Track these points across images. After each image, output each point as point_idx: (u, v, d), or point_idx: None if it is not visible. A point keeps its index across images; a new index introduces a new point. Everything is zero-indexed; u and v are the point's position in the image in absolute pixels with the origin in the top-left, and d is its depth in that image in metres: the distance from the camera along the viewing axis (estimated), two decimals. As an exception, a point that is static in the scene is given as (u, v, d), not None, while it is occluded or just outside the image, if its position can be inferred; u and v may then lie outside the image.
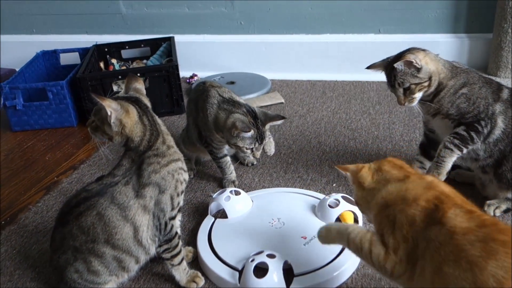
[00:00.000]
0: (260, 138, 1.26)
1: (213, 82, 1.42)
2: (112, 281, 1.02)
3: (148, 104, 1.05)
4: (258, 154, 1.28)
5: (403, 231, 0.75)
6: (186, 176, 1.05)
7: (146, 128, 1.00)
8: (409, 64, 1.13)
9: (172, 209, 1.02)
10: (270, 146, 1.36)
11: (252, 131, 1.23)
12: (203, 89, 1.39)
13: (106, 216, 0.95)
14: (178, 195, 1.02)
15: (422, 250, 0.71)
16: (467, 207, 0.73)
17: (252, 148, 1.26)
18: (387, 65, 1.19)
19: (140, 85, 1.08)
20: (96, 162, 1.62)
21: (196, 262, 1.13)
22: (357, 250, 0.83)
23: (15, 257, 1.20)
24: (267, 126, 1.29)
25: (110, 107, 0.95)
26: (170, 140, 1.04)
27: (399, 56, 1.16)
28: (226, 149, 1.40)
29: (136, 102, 1.02)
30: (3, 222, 1.34)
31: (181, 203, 1.05)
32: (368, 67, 1.24)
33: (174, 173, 1.01)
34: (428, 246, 0.71)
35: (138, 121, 0.99)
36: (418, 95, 1.16)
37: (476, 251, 0.65)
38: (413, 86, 1.15)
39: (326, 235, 0.89)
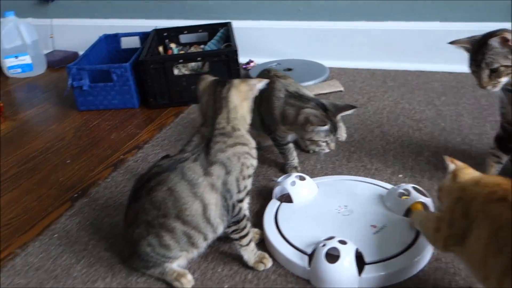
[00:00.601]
0: (334, 129, 1.25)
1: (278, 72, 1.42)
2: (183, 257, 1.04)
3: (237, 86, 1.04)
4: (333, 145, 1.27)
5: (464, 208, 0.84)
6: (253, 162, 1.04)
7: (210, 98, 1.01)
8: (505, 42, 1.06)
9: (239, 191, 1.02)
10: (341, 131, 1.34)
11: (327, 125, 1.22)
12: (268, 78, 1.38)
13: (176, 191, 0.97)
14: (244, 178, 1.02)
15: (478, 221, 0.81)
16: None
17: (327, 141, 1.25)
18: (476, 42, 1.11)
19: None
20: (159, 143, 1.66)
21: (262, 244, 1.14)
22: (423, 226, 0.98)
23: (89, 228, 1.25)
24: (338, 117, 1.27)
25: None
26: (238, 124, 1.02)
27: (490, 34, 1.08)
28: (289, 136, 1.40)
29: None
30: (75, 195, 1.40)
31: (249, 187, 1.06)
32: (451, 42, 1.16)
33: (240, 156, 1.01)
34: (487, 216, 0.80)
35: (206, 90, 1.01)
36: (504, 80, 1.09)
37: None
38: (502, 68, 1.07)
39: (413, 216, 1.06)
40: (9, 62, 2.45)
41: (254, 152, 1.05)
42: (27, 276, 1.11)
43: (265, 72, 1.48)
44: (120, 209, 1.30)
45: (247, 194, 1.06)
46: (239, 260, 1.08)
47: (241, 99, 1.02)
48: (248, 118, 1.05)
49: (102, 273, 1.10)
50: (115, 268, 1.11)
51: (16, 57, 2.44)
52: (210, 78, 1.03)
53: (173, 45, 2.26)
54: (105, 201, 1.36)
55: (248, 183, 1.05)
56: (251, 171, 1.05)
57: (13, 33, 2.43)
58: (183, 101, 1.94)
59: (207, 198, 0.98)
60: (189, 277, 1.04)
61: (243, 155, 1.02)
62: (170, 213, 0.98)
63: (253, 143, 1.05)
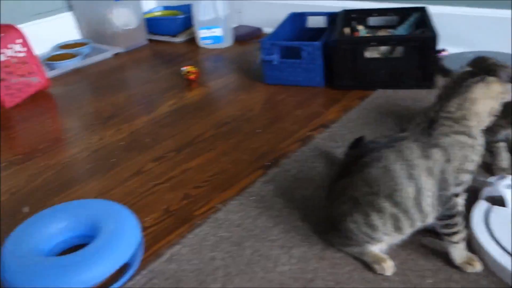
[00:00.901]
0: None
1: (496, 60, 1.28)
2: (386, 242, 1.02)
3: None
4: None
5: None
6: (476, 158, 0.96)
7: (452, 83, 0.95)
8: None
9: (456, 185, 0.96)
10: None
11: None
12: (486, 67, 1.25)
13: (392, 170, 0.94)
14: (464, 172, 0.95)
15: None
16: None
17: None
18: None
19: None
20: (345, 124, 1.65)
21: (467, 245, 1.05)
22: None
23: (282, 196, 1.30)
24: None
25: None
26: (469, 116, 0.93)
27: None
28: (503, 132, 1.26)
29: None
30: (267, 164, 1.47)
31: (469, 183, 0.98)
32: None
33: (464, 146, 0.94)
34: None
35: (454, 77, 0.95)
36: None
37: None
38: None
39: None
40: (202, 33, 2.68)
41: (479, 149, 0.96)
42: (229, 231, 1.20)
43: (479, 60, 1.34)
44: (310, 183, 1.34)
45: (464, 190, 0.99)
46: (443, 256, 1.02)
47: (485, 96, 0.93)
48: (484, 119, 0.95)
49: (298, 242, 1.13)
50: (311, 239, 1.13)
51: (209, 29, 2.66)
52: (466, 69, 0.97)
53: (360, 27, 2.21)
54: (296, 173, 1.40)
55: (468, 178, 0.98)
56: (472, 166, 0.97)
57: (208, 6, 2.64)
58: (369, 85, 1.90)
59: (422, 182, 0.94)
60: (390, 263, 1.02)
61: (466, 147, 0.94)
62: (382, 192, 0.96)
63: (480, 140, 0.96)
